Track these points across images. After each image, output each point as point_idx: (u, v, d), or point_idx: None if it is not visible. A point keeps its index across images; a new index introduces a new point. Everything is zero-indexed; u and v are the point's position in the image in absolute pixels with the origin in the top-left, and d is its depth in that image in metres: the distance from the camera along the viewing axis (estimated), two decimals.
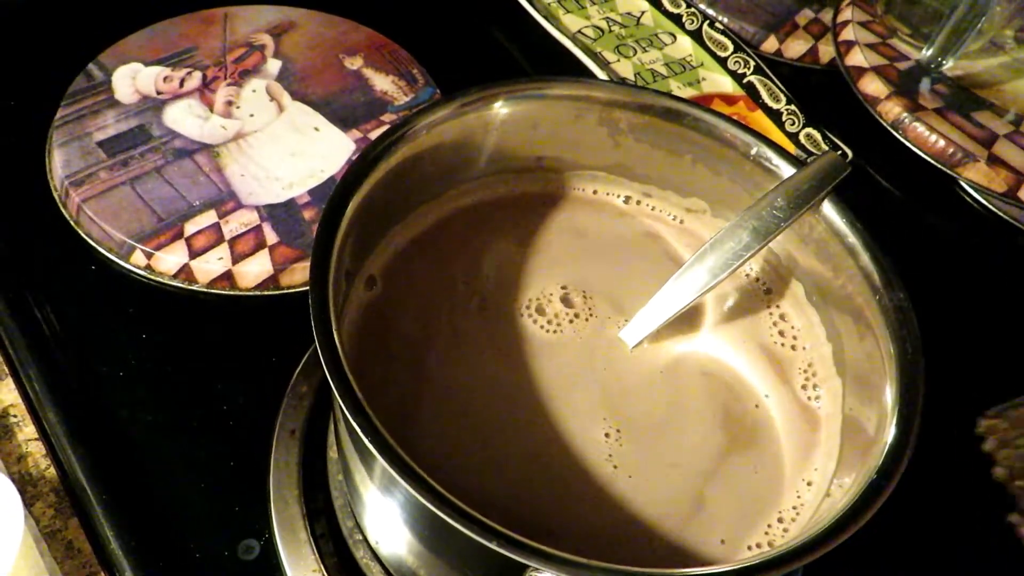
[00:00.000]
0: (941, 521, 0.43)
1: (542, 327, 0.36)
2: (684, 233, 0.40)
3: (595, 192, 0.41)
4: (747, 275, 0.39)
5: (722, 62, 0.62)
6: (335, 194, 0.31)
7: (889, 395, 0.30)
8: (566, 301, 0.37)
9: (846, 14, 0.64)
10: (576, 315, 0.37)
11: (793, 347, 0.37)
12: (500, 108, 0.36)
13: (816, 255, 0.35)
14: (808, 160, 0.35)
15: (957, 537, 0.43)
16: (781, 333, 0.37)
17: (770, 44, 0.65)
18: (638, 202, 0.41)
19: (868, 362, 0.32)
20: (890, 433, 0.28)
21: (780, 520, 0.32)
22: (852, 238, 0.33)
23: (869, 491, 0.26)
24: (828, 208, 0.34)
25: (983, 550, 0.43)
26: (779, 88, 0.60)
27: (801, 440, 0.34)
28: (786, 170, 0.36)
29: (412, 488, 0.24)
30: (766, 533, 0.31)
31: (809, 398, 0.35)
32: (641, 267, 0.39)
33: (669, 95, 0.37)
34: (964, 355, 0.49)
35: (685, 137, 0.37)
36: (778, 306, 0.38)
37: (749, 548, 0.31)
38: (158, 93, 0.52)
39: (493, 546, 0.24)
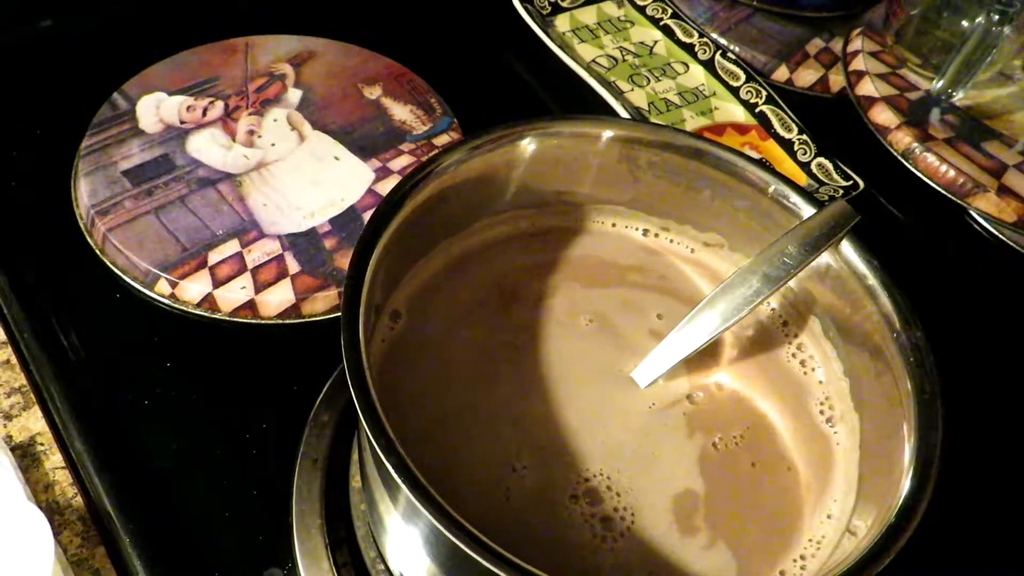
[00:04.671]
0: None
1: (560, 360, 0.37)
2: (701, 266, 0.41)
3: (614, 225, 0.41)
4: (766, 304, 0.39)
5: (734, 91, 0.62)
6: (366, 232, 0.32)
7: (907, 433, 0.30)
8: (584, 336, 0.38)
9: (856, 44, 0.65)
10: (593, 351, 0.37)
11: (810, 380, 0.37)
12: (524, 146, 0.37)
13: (833, 292, 0.36)
14: (816, 197, 0.36)
15: None
16: (802, 363, 0.38)
17: (781, 73, 0.65)
18: (656, 235, 0.41)
19: (886, 399, 0.33)
20: (909, 473, 0.29)
21: (802, 557, 0.32)
22: (871, 279, 0.33)
23: (888, 534, 0.27)
24: (846, 247, 0.35)
25: None
26: (791, 118, 0.61)
27: (819, 474, 0.35)
28: (804, 207, 0.36)
29: (448, 531, 0.25)
30: (782, 573, 0.32)
31: (827, 431, 0.36)
32: (659, 301, 0.39)
33: (689, 133, 0.38)
34: (972, 385, 0.49)
35: (703, 173, 0.38)
36: (795, 338, 0.39)
37: None
38: (181, 122, 0.53)
39: None
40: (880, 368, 0.33)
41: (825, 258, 0.35)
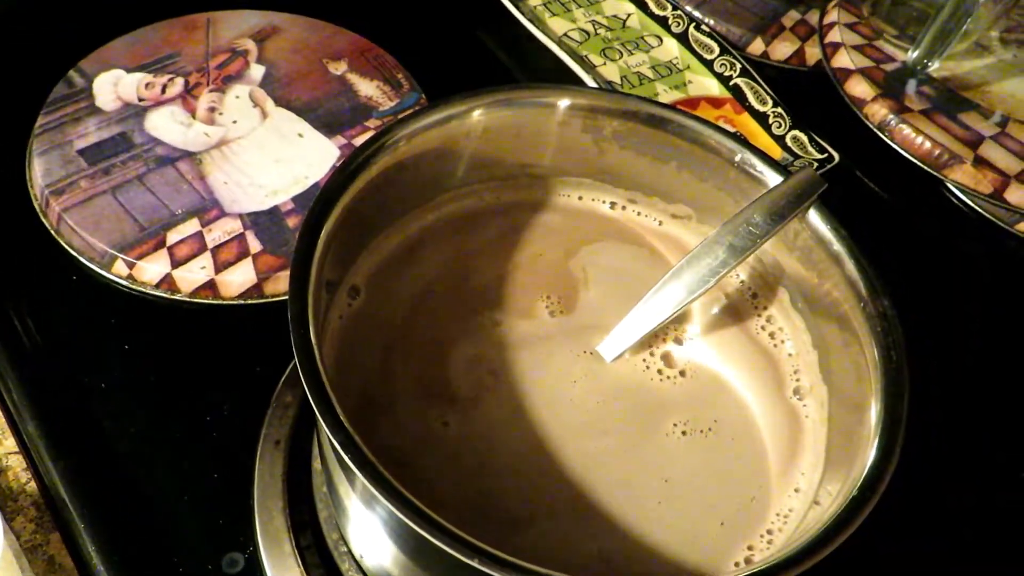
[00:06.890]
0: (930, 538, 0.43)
1: (524, 336, 0.36)
2: (669, 239, 0.40)
3: (580, 198, 0.40)
4: (735, 275, 0.38)
5: (708, 65, 0.61)
6: (314, 206, 0.31)
7: (874, 403, 0.30)
8: (549, 310, 0.37)
9: (832, 16, 0.64)
10: (559, 325, 0.36)
11: (779, 353, 0.37)
12: (482, 116, 0.36)
13: (801, 262, 0.35)
14: (789, 169, 0.35)
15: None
16: (771, 336, 0.37)
17: (756, 46, 0.64)
18: (623, 208, 0.40)
19: (854, 370, 0.32)
20: (875, 442, 0.28)
21: (769, 532, 0.31)
22: (837, 245, 0.33)
23: (852, 504, 0.26)
24: (813, 215, 0.34)
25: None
26: (765, 91, 0.60)
27: (788, 447, 0.34)
28: (770, 176, 0.35)
29: (393, 506, 0.24)
30: (750, 548, 0.31)
31: (795, 404, 0.35)
32: (626, 275, 0.38)
33: (653, 101, 0.37)
34: (948, 358, 0.49)
35: (669, 143, 0.37)
36: (765, 311, 0.38)
37: (737, 564, 0.31)
38: (140, 100, 0.51)
39: (475, 563, 0.24)
40: (848, 338, 0.33)
41: (793, 227, 0.35)
